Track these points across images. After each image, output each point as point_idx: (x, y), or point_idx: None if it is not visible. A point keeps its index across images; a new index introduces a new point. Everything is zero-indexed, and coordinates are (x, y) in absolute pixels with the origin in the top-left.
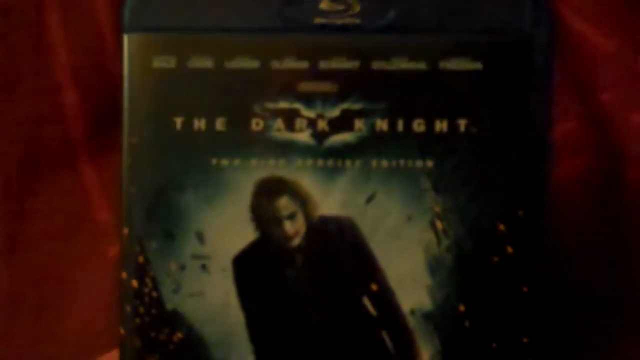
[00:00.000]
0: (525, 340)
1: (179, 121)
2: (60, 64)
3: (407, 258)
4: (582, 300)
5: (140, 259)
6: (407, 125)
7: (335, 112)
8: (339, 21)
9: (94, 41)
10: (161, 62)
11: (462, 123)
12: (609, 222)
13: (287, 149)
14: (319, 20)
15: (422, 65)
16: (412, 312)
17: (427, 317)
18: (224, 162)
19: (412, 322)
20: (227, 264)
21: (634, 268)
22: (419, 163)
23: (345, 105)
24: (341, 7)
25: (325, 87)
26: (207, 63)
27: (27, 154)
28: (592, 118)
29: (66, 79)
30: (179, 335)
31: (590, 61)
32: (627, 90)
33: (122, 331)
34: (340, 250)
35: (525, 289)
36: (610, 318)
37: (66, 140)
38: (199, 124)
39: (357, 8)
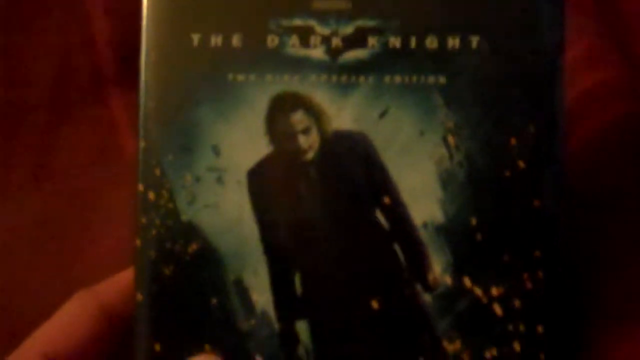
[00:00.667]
0: (536, 253)
1: (196, 38)
2: None
3: (420, 172)
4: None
5: (157, 172)
6: (420, 42)
7: (349, 29)
8: None
9: None
10: None
11: (474, 40)
12: None
13: (301, 65)
14: None
15: None
16: (425, 225)
17: (439, 229)
18: (240, 77)
19: (424, 235)
20: (242, 176)
21: None
22: (431, 79)
23: (359, 23)
24: None
25: (339, 4)
26: None
27: (56, 85)
28: (631, 66)
29: (95, 9)
30: (194, 246)
31: (629, 12)
32: None
33: (138, 243)
34: (354, 164)
35: (536, 203)
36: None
37: (95, 71)
38: (216, 40)
39: None
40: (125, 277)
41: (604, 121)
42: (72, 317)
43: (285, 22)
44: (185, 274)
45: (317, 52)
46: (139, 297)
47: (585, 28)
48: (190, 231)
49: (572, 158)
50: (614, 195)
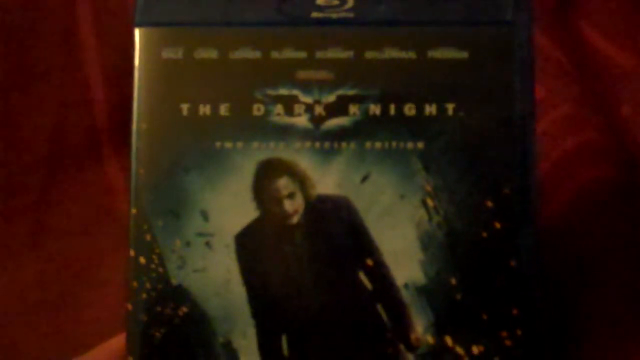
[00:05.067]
0: (514, 311)
1: (185, 107)
2: (88, 57)
3: (400, 234)
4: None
5: (148, 237)
6: (399, 109)
7: (331, 98)
8: (335, 15)
9: (122, 36)
10: (169, 54)
11: (450, 107)
12: (628, 228)
13: (286, 133)
14: (315, 15)
15: (412, 55)
16: (406, 285)
17: (420, 290)
18: (228, 144)
19: (406, 296)
20: (230, 240)
21: None
22: (410, 145)
23: (340, 92)
24: (336, 2)
25: (322, 75)
26: (212, 54)
27: (52, 144)
28: (612, 129)
29: (94, 72)
30: (184, 309)
31: (610, 76)
32: None
33: (129, 307)
34: (337, 228)
35: (513, 263)
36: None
37: (91, 133)
38: (204, 109)
39: (351, 3)
40: (117, 343)
41: (584, 182)
42: None
43: (270, 92)
44: (176, 337)
45: (301, 120)
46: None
47: (566, 92)
48: (181, 295)
49: (555, 217)
50: (595, 254)
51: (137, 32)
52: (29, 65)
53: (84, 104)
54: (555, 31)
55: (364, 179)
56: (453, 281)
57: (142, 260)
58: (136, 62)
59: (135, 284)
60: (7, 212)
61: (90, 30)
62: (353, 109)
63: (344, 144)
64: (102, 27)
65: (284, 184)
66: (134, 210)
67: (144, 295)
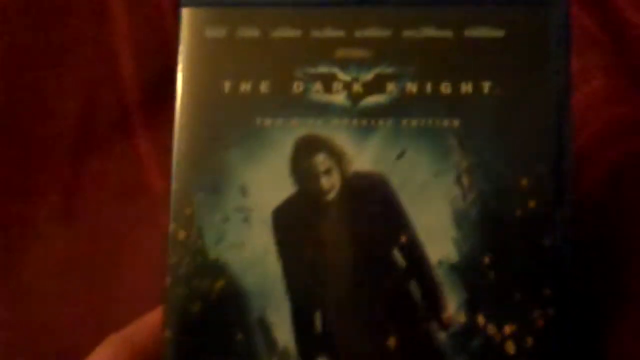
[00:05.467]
0: (547, 291)
1: (227, 85)
2: (119, 32)
3: (435, 212)
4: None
5: (188, 211)
6: (435, 87)
7: (369, 76)
8: None
9: (152, 13)
10: (213, 32)
11: (485, 85)
12: None
13: (324, 110)
14: None
15: (448, 33)
16: (440, 263)
17: (454, 268)
18: (267, 121)
19: (439, 273)
20: (267, 216)
21: None
22: (446, 122)
23: (378, 70)
24: None
25: (360, 53)
26: (254, 33)
27: (84, 119)
28: None
29: (124, 46)
30: (220, 283)
31: None
32: None
33: (167, 281)
34: (372, 204)
35: (546, 242)
36: None
37: (121, 107)
38: (245, 87)
39: None
40: (154, 317)
41: (618, 156)
42: None
43: (310, 70)
44: (212, 311)
45: (339, 98)
46: (168, 333)
47: (600, 65)
48: (217, 269)
49: (589, 193)
50: (631, 231)
51: (182, 12)
52: (59, 40)
53: (114, 79)
54: (589, 5)
55: (400, 156)
56: (486, 260)
57: (181, 234)
58: (181, 40)
59: (174, 258)
60: (36, 187)
61: (120, 5)
62: (390, 86)
63: (380, 122)
64: (132, 1)
65: (321, 160)
66: (175, 185)
67: (183, 270)
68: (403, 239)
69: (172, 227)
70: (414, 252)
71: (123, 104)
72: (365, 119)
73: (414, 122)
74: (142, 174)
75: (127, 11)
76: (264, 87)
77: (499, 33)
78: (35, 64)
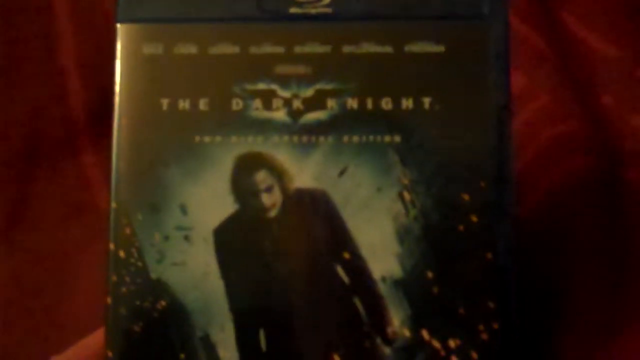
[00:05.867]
0: (491, 305)
1: (165, 102)
2: (65, 48)
3: (377, 227)
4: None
5: (127, 231)
6: (376, 103)
7: (309, 92)
8: (313, 11)
9: (98, 29)
10: (150, 49)
11: (426, 101)
12: (607, 219)
13: (264, 127)
14: (294, 10)
15: (388, 49)
16: (383, 279)
17: (397, 283)
18: (206, 139)
19: (383, 289)
20: (209, 234)
21: (631, 264)
22: (387, 138)
23: (318, 86)
24: None
25: (300, 69)
26: (191, 49)
27: (28, 137)
28: (593, 119)
29: (70, 63)
30: (163, 303)
31: (592, 66)
32: (626, 94)
33: (108, 301)
34: (315, 221)
35: (489, 256)
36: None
37: (67, 125)
38: (184, 104)
39: None
40: (96, 339)
41: (564, 172)
42: None
43: (249, 87)
44: (155, 331)
45: (279, 114)
46: (109, 354)
47: (546, 80)
48: (159, 288)
49: (535, 209)
50: (575, 246)
51: (118, 28)
52: (4, 57)
53: (59, 96)
54: (536, 19)
55: (342, 172)
56: (430, 274)
57: (121, 254)
58: (117, 57)
59: (114, 277)
60: None
61: (66, 22)
62: (331, 103)
63: (321, 138)
64: (79, 19)
65: (262, 177)
66: (114, 204)
67: (123, 289)
68: (346, 255)
69: (111, 246)
70: (357, 268)
71: (69, 123)
72: (306, 136)
73: (355, 138)
74: (88, 194)
75: (72, 27)
76: (202, 104)
77: (439, 48)
78: None
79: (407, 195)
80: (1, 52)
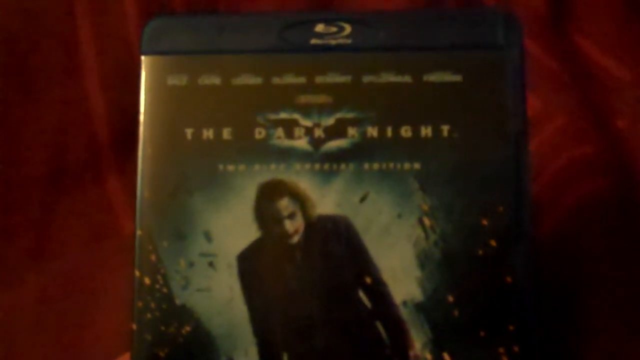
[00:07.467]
0: (511, 327)
1: (189, 132)
2: (89, 74)
3: (398, 252)
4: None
5: (153, 258)
6: (396, 131)
7: (330, 121)
8: (333, 41)
9: (122, 54)
10: (174, 80)
11: (445, 128)
12: (624, 241)
13: (287, 155)
14: (315, 41)
15: (407, 79)
16: (404, 303)
17: (418, 307)
18: (230, 167)
19: (404, 313)
20: (232, 260)
21: None
22: (407, 165)
23: (339, 115)
24: (334, 29)
25: (321, 99)
26: (215, 80)
27: (52, 161)
28: (608, 142)
29: (94, 88)
30: (187, 328)
31: (607, 89)
32: None
33: (134, 327)
34: (337, 247)
35: (509, 280)
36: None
37: (92, 148)
38: (208, 134)
39: (349, 30)
40: None
41: (580, 196)
42: None
43: (271, 116)
44: (180, 356)
45: (301, 143)
46: None
47: (562, 104)
48: (184, 314)
49: (552, 232)
50: (592, 270)
51: (143, 60)
52: (29, 81)
53: (84, 120)
54: (550, 43)
55: (363, 199)
56: (450, 298)
57: (146, 280)
58: (142, 88)
59: (140, 303)
60: (7, 228)
61: (90, 47)
62: (351, 131)
63: (342, 166)
64: (102, 43)
65: (284, 204)
66: (139, 232)
67: (149, 315)
68: (368, 280)
69: (137, 273)
70: (379, 293)
71: (93, 146)
72: (328, 163)
73: (376, 166)
74: (112, 216)
75: (96, 52)
76: (226, 133)
77: (457, 78)
78: (4, 104)
79: (427, 221)
80: (26, 76)
